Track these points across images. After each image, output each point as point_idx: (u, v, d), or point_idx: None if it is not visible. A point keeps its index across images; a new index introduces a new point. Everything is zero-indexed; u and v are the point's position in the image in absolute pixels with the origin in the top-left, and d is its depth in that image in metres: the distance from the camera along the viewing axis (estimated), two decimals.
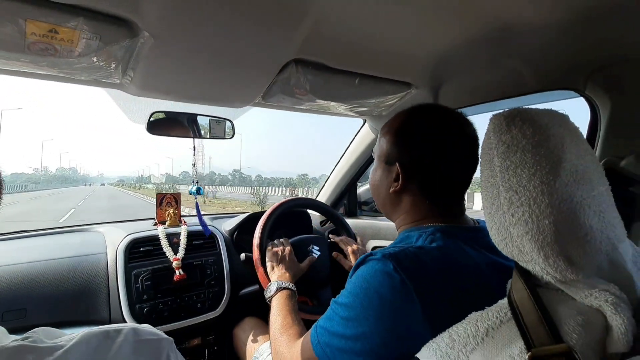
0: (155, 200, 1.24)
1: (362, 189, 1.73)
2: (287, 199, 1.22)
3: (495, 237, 0.49)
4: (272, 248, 1.02)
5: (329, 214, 1.30)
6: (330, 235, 1.25)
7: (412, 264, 0.53)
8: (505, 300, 0.47)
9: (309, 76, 0.85)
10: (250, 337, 1.07)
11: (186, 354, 1.13)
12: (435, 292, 0.52)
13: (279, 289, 0.87)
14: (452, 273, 0.55)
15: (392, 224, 1.45)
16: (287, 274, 0.94)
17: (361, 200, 1.73)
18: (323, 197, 1.63)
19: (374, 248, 1.48)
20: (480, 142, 0.54)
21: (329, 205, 1.57)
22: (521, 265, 0.47)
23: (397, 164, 0.64)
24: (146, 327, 0.49)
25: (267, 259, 0.99)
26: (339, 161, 1.53)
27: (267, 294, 0.88)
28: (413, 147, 0.63)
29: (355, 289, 0.55)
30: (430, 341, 0.48)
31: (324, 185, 1.66)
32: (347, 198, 1.66)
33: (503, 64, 0.85)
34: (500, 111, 0.51)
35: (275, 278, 0.92)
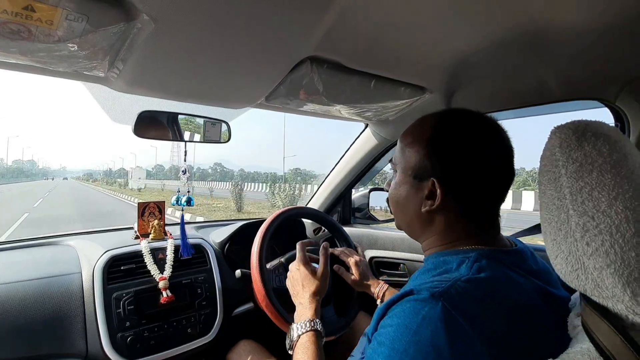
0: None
1: (356, 195, 1.66)
2: (283, 209, 1.13)
3: (562, 267, 0.43)
4: (289, 274, 0.87)
5: (329, 224, 1.22)
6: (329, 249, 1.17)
7: (466, 303, 0.45)
8: (587, 345, 0.40)
9: (323, 76, 0.77)
10: None
11: None
12: (499, 335, 0.45)
13: (298, 337, 0.71)
14: (509, 309, 0.47)
15: (391, 233, 1.42)
16: (305, 305, 0.78)
17: (355, 206, 1.66)
18: (316, 204, 1.55)
19: (372, 259, 1.42)
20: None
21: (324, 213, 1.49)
22: (594, 301, 0.42)
23: (431, 179, 0.56)
24: None
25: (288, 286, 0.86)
26: (334, 166, 1.46)
27: (287, 347, 0.73)
28: (451, 160, 0.55)
29: (399, 344, 0.44)
30: None
31: (316, 191, 1.57)
32: (342, 205, 1.59)
33: (528, 71, 0.81)
34: (562, 124, 0.45)
35: (295, 317, 0.77)
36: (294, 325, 0.74)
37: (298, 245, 0.89)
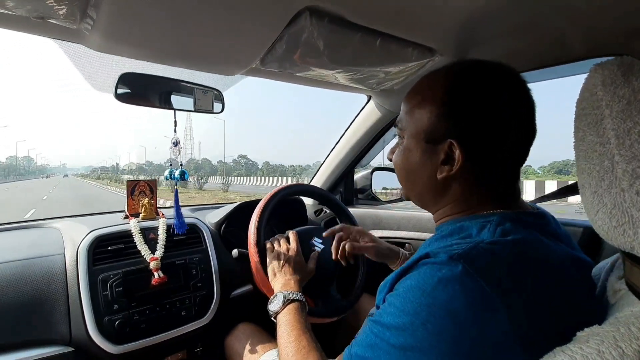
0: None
1: (359, 175, 1.60)
2: (282, 186, 1.06)
3: (604, 223, 0.37)
4: (273, 247, 0.86)
5: (332, 202, 1.15)
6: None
7: (490, 265, 0.40)
8: (639, 308, 0.35)
9: (323, 31, 0.69)
10: (248, 347, 0.92)
11: None
12: (524, 300, 0.40)
13: (287, 301, 0.71)
14: (538, 273, 0.43)
15: (395, 212, 1.36)
16: (293, 280, 0.78)
17: (357, 187, 1.60)
18: (318, 182, 1.49)
19: None
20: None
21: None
22: None
23: (449, 141, 0.49)
24: None
25: (267, 261, 0.84)
26: (336, 144, 1.38)
27: (272, 309, 0.73)
28: (472, 117, 0.49)
29: (411, 305, 0.41)
30: None
31: (318, 170, 1.50)
32: (344, 185, 1.52)
33: (547, 27, 0.73)
34: (605, 60, 0.39)
35: (279, 287, 0.77)
36: (278, 295, 0.74)
37: (292, 235, 0.91)
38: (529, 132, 0.50)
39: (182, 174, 0.86)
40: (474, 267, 0.39)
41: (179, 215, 0.95)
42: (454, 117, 0.50)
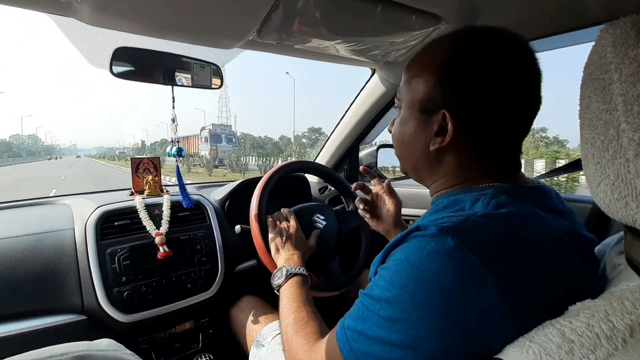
0: None
1: (364, 152, 1.58)
2: (284, 163, 1.05)
3: (606, 196, 0.35)
4: (274, 223, 0.87)
5: (335, 180, 1.14)
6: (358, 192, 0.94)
7: (481, 239, 0.39)
8: (636, 282, 0.34)
9: None
10: (250, 318, 0.95)
11: (177, 339, 1.00)
12: (516, 275, 0.39)
13: (289, 275, 0.73)
14: (532, 247, 0.41)
15: (399, 190, 1.34)
16: (296, 255, 0.79)
17: (362, 164, 1.58)
18: (322, 161, 1.48)
19: None
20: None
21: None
22: None
23: (442, 112, 0.47)
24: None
25: (269, 237, 0.84)
26: (340, 120, 1.36)
27: (275, 282, 0.74)
28: (467, 88, 0.46)
29: (399, 278, 0.41)
30: (523, 339, 0.35)
31: (323, 147, 1.49)
32: (348, 162, 1.51)
33: None
34: (616, 20, 0.36)
35: (283, 262, 0.78)
36: (281, 269, 0.75)
37: (290, 213, 0.91)
38: (531, 103, 0.48)
39: (179, 151, 0.86)
40: (464, 240, 0.39)
41: (183, 191, 0.97)
42: (448, 87, 0.48)
